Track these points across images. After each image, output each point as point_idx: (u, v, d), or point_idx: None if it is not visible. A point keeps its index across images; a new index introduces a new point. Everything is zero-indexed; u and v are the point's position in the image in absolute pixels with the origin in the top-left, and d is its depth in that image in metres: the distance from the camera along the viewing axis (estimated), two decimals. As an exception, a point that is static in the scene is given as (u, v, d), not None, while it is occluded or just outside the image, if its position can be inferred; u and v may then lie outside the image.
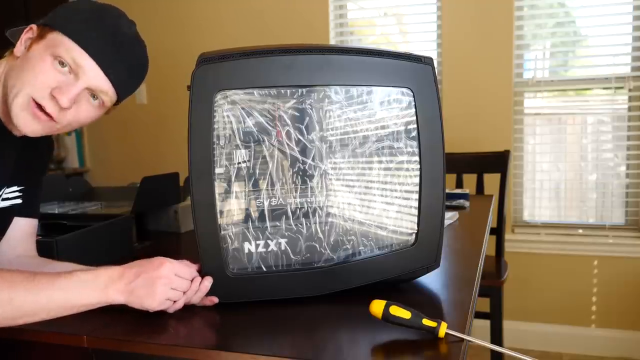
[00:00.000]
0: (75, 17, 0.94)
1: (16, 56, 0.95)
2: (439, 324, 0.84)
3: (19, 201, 1.10)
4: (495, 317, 2.19)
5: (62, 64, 0.92)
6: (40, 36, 0.93)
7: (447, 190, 1.10)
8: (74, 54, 0.91)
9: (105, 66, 0.94)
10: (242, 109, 0.96)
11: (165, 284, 0.90)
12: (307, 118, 0.98)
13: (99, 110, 1.01)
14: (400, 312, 0.85)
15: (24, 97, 0.91)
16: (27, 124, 0.93)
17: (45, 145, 1.17)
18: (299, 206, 1.00)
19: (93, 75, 0.93)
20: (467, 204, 1.94)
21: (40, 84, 0.91)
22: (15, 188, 1.08)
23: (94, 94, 0.97)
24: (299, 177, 0.99)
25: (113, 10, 0.99)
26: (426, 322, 0.84)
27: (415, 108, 1.03)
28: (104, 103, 1.00)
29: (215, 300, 0.99)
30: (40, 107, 0.92)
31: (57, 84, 0.91)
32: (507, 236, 2.54)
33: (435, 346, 0.85)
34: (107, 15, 0.97)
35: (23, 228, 1.13)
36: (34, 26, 0.95)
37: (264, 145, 0.97)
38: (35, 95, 0.91)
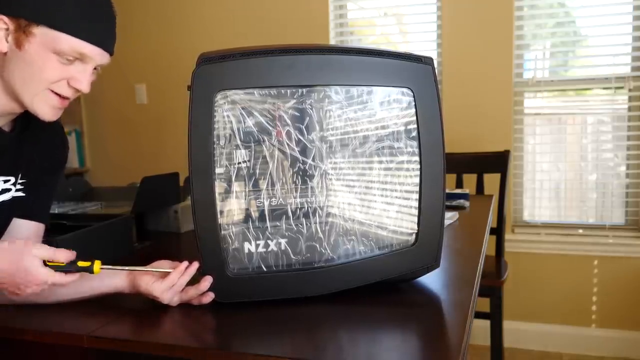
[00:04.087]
0: (59, 6, 0.92)
1: (2, 52, 0.94)
2: (93, 262, 0.93)
3: (20, 194, 1.09)
4: (495, 317, 2.19)
5: (66, 57, 0.94)
6: (26, 32, 0.92)
7: (447, 190, 1.10)
8: (75, 46, 0.94)
9: (105, 45, 0.98)
10: (242, 108, 0.96)
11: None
12: (307, 118, 0.98)
13: (96, 74, 1.03)
14: (55, 263, 0.92)
15: (43, 94, 0.96)
16: (47, 114, 0.99)
17: (55, 145, 1.16)
18: (299, 206, 1.00)
19: (97, 55, 0.97)
20: (467, 204, 1.94)
21: (55, 80, 0.95)
22: (10, 178, 1.07)
23: (96, 66, 1.00)
24: (299, 177, 0.99)
25: None
26: (81, 264, 0.93)
27: (416, 108, 1.03)
28: (100, 67, 1.02)
29: (212, 295, 0.99)
30: (58, 94, 0.98)
31: (70, 75, 0.96)
32: (507, 236, 2.54)
33: (436, 346, 0.85)
34: None
35: (24, 229, 1.12)
36: (4, 18, 0.92)
37: (264, 145, 0.97)
38: (54, 89, 0.96)
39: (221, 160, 0.96)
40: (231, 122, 0.96)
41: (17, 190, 1.09)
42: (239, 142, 0.96)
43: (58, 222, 1.42)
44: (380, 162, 1.03)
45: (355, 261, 1.03)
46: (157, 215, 1.72)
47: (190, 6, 3.07)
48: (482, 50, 2.64)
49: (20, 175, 1.09)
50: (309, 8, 2.86)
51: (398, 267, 1.06)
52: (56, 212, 1.64)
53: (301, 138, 0.98)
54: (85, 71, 0.97)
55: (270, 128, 0.97)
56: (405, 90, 1.03)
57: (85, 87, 0.97)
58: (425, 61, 1.04)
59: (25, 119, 1.07)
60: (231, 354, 0.83)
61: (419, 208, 1.05)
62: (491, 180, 2.39)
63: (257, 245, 0.99)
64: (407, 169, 1.05)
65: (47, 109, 0.98)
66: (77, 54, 0.94)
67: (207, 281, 0.98)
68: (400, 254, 1.06)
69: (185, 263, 0.99)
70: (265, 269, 1.00)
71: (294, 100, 0.97)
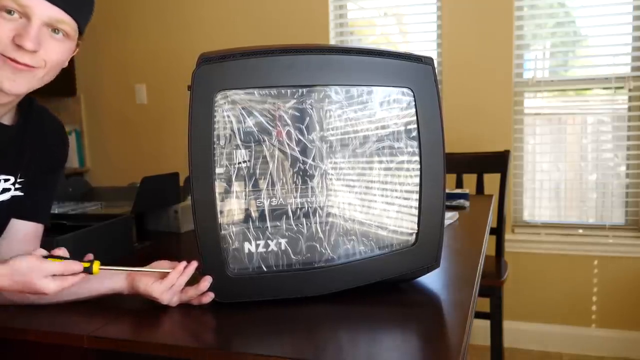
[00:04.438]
0: None
1: None
2: (92, 263, 0.94)
3: (18, 193, 1.09)
4: (495, 317, 2.19)
5: (9, 12, 0.92)
6: None
7: (447, 190, 1.10)
8: None
9: None
10: (243, 108, 0.96)
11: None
12: (308, 118, 0.98)
13: (66, 43, 0.99)
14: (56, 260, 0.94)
15: None
16: (9, 81, 0.94)
17: (55, 143, 1.15)
18: (300, 206, 1.00)
19: (41, 8, 0.92)
20: (467, 204, 1.94)
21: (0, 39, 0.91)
22: (10, 178, 1.07)
23: (54, 28, 0.96)
24: (300, 177, 0.99)
25: None
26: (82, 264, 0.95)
27: (416, 108, 1.03)
28: (67, 34, 0.98)
29: (212, 295, 0.99)
30: (12, 60, 0.93)
31: (15, 32, 0.92)
32: (507, 236, 2.54)
33: (436, 346, 0.85)
34: None
35: (22, 229, 1.12)
36: None
37: (264, 145, 0.97)
38: (2, 51, 0.92)
39: (221, 160, 0.96)
40: (231, 122, 0.96)
41: (15, 189, 1.09)
42: (239, 142, 0.96)
43: (58, 222, 1.42)
44: (381, 162, 1.03)
45: (355, 261, 1.03)
46: (157, 215, 1.72)
47: (189, 6, 3.07)
48: (482, 50, 2.64)
49: (19, 175, 1.09)
50: (309, 8, 2.86)
51: (398, 267, 1.06)
52: (56, 212, 1.64)
53: (301, 138, 0.98)
54: (29, 27, 0.92)
55: (271, 128, 0.97)
56: (405, 90, 1.03)
57: (29, 45, 0.91)
58: (425, 61, 1.04)
59: (26, 113, 1.07)
60: (231, 354, 0.83)
61: (419, 208, 1.05)
62: (491, 180, 2.39)
63: (257, 245, 0.99)
64: (407, 169, 1.05)
65: (7, 75, 0.94)
66: (17, 6, 0.91)
67: (206, 281, 0.98)
68: (400, 254, 1.06)
69: (184, 263, 0.99)
70: (265, 269, 1.00)
71: (294, 100, 0.97)
